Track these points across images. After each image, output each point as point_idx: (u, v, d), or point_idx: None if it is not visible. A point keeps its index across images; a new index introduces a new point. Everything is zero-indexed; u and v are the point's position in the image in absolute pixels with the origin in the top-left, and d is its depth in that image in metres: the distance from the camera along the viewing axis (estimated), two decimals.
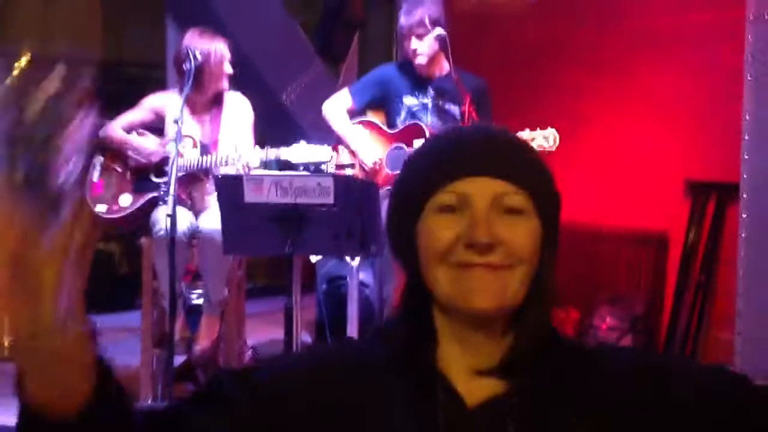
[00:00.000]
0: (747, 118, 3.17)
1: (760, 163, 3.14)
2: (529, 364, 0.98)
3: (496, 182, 0.97)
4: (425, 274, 0.98)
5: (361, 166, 3.72)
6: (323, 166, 3.72)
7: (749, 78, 3.15)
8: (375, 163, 3.68)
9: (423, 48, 3.62)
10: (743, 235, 3.20)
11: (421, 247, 0.99)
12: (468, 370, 0.99)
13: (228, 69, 3.58)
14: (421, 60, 3.65)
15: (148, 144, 3.61)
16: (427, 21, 3.60)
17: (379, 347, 1.03)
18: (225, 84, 3.61)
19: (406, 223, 1.01)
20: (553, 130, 3.37)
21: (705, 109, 4.45)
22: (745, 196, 3.20)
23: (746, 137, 3.18)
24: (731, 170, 4.19)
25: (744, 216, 3.20)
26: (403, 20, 3.64)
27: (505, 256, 0.95)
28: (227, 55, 3.56)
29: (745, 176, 3.20)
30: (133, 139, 3.63)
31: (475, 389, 0.98)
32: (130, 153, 3.63)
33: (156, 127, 3.72)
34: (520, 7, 5.43)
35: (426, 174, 1.00)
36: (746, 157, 3.19)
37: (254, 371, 1.04)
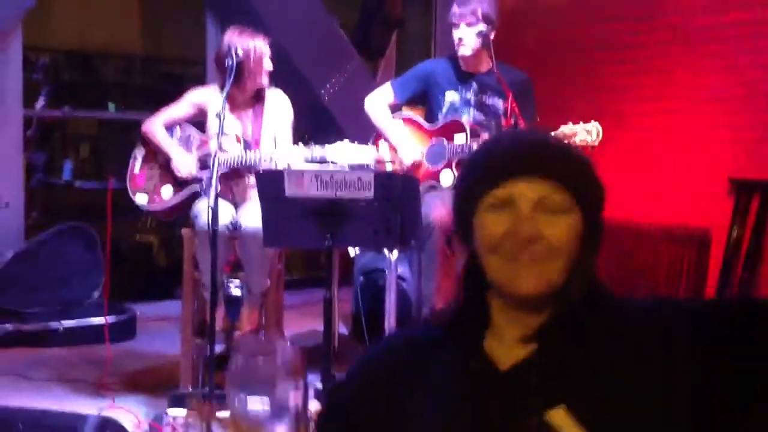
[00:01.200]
0: None
1: None
2: (563, 332, 1.13)
3: (539, 183, 1.13)
4: (481, 260, 1.17)
5: (399, 162, 3.75)
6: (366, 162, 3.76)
7: None
8: (414, 162, 3.70)
9: (469, 38, 3.62)
10: None
11: (476, 238, 1.17)
12: (513, 339, 1.16)
13: (268, 66, 3.62)
14: (465, 51, 3.66)
15: (183, 163, 3.61)
16: (479, 13, 3.62)
17: (431, 328, 1.24)
18: (265, 81, 3.65)
19: (465, 217, 1.19)
20: (596, 123, 3.34)
21: (748, 107, 4.42)
22: None
23: None
24: None
25: None
26: (456, 8, 3.65)
27: (545, 250, 1.11)
28: (267, 51, 3.60)
29: None
30: (172, 152, 3.63)
31: (509, 357, 1.14)
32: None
33: (198, 121, 3.76)
34: (559, 4, 5.42)
35: (477, 178, 1.18)
36: None
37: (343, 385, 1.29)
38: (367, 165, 3.42)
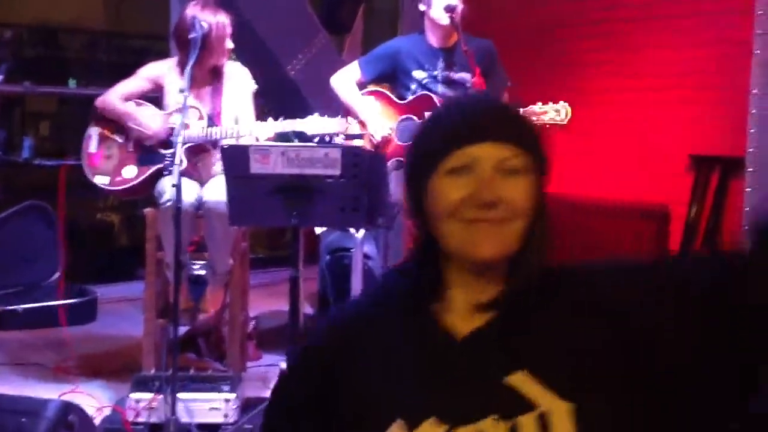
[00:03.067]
0: (754, 92, 3.15)
1: (765, 136, 3.13)
2: (520, 300, 1.13)
3: (498, 146, 1.12)
4: (436, 229, 1.14)
5: (369, 138, 3.70)
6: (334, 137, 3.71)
7: (757, 52, 3.13)
8: (383, 137, 3.66)
9: (453, 6, 3.57)
10: (748, 208, 3.19)
11: (432, 205, 1.14)
12: (468, 309, 1.15)
13: (229, 45, 3.55)
14: (448, 20, 3.56)
15: (153, 121, 3.53)
16: None
17: (382, 297, 1.22)
18: (224, 59, 3.58)
19: (418, 184, 1.16)
20: (565, 104, 3.34)
21: (708, 84, 4.43)
22: (750, 169, 3.19)
23: (753, 111, 3.16)
24: (734, 144, 4.18)
25: (748, 189, 3.19)
26: None
27: (506, 212, 1.11)
28: (229, 29, 3.52)
29: (750, 150, 3.18)
30: (137, 113, 3.55)
31: (465, 326, 1.14)
32: (132, 126, 3.58)
33: (152, 97, 3.67)
34: None
35: (436, 141, 1.15)
36: (752, 130, 3.18)
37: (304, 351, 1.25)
38: (338, 134, 3.37)
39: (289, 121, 3.33)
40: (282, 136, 3.44)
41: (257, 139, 3.33)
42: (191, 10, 3.45)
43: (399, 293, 1.19)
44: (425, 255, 1.17)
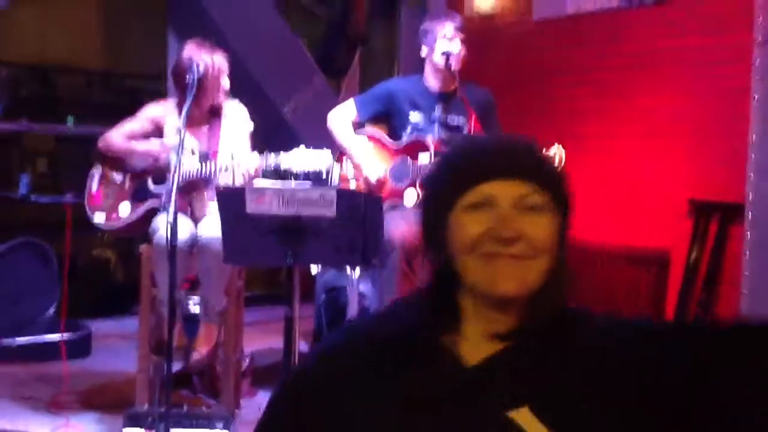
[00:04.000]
0: (753, 138, 3.18)
1: (765, 182, 3.15)
2: (536, 334, 1.13)
3: (519, 184, 1.13)
4: (455, 263, 1.14)
5: (364, 180, 3.73)
6: (326, 176, 3.73)
7: (756, 98, 3.17)
8: (378, 180, 3.68)
9: (462, 52, 3.63)
10: (747, 254, 3.21)
11: (451, 240, 1.14)
12: (480, 339, 1.14)
13: (226, 84, 3.58)
14: (457, 64, 3.64)
15: (153, 147, 3.59)
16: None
17: (389, 325, 1.20)
18: (222, 98, 3.61)
19: (437, 219, 1.16)
20: (560, 147, 3.36)
21: (707, 131, 4.48)
22: (750, 215, 3.21)
23: (752, 157, 3.19)
24: (734, 191, 4.22)
25: (749, 236, 3.20)
26: (449, 21, 3.65)
27: (527, 248, 1.11)
28: (225, 68, 3.56)
29: (750, 196, 3.20)
30: (138, 145, 3.61)
31: (475, 355, 1.14)
32: (135, 160, 3.61)
33: (154, 137, 3.71)
34: (521, 28, 5.47)
35: (457, 176, 1.16)
36: (752, 176, 3.20)
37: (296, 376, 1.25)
38: (325, 171, 3.38)
39: (273, 155, 3.35)
40: (278, 174, 3.45)
41: (248, 173, 3.35)
42: (187, 51, 3.49)
43: (408, 321, 1.18)
44: (441, 288, 1.17)
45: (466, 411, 1.10)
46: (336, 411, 1.14)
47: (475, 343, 1.15)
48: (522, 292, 1.12)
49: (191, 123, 3.56)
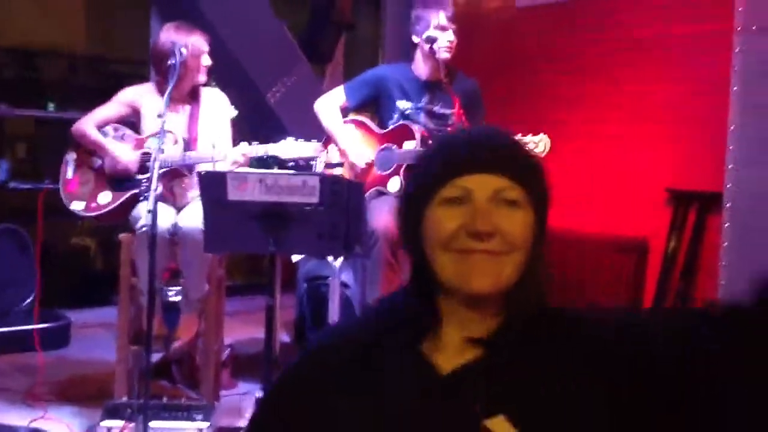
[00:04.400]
0: (732, 128, 3.19)
1: (744, 172, 3.16)
2: (511, 339, 1.11)
3: (495, 178, 1.10)
4: (430, 260, 1.12)
5: (350, 166, 3.70)
6: (312, 163, 3.71)
7: (735, 89, 3.17)
8: (366, 164, 3.66)
9: (453, 42, 3.59)
10: (725, 243, 3.22)
11: (427, 235, 1.12)
12: (458, 344, 1.12)
13: (206, 62, 3.55)
14: (447, 54, 3.61)
15: (124, 154, 3.51)
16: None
17: (370, 326, 1.18)
18: (203, 78, 3.57)
19: (414, 214, 1.14)
20: (544, 135, 3.35)
21: (687, 119, 4.48)
22: (728, 205, 3.22)
23: (731, 147, 3.20)
24: (712, 180, 4.22)
25: (726, 225, 3.21)
26: (442, 11, 3.62)
27: (502, 244, 1.09)
28: (205, 48, 3.53)
29: (729, 185, 3.21)
30: (110, 146, 3.53)
31: (450, 362, 1.11)
32: (105, 158, 3.55)
33: (129, 120, 3.66)
34: (505, 14, 5.45)
35: (433, 170, 1.13)
36: (731, 166, 3.21)
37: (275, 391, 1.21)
38: (314, 161, 3.36)
39: (263, 146, 3.32)
40: (261, 162, 3.43)
41: (236, 163, 3.32)
42: (167, 35, 3.46)
43: (388, 325, 1.15)
44: (419, 286, 1.15)
45: (440, 420, 1.08)
46: (320, 415, 1.12)
47: (452, 349, 1.12)
48: (496, 288, 1.09)
49: (171, 108, 3.51)
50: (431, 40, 3.59)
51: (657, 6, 4.64)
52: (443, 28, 3.61)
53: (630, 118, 4.74)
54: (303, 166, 3.40)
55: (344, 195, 2.69)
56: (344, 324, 1.28)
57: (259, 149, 3.33)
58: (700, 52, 4.41)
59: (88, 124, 3.56)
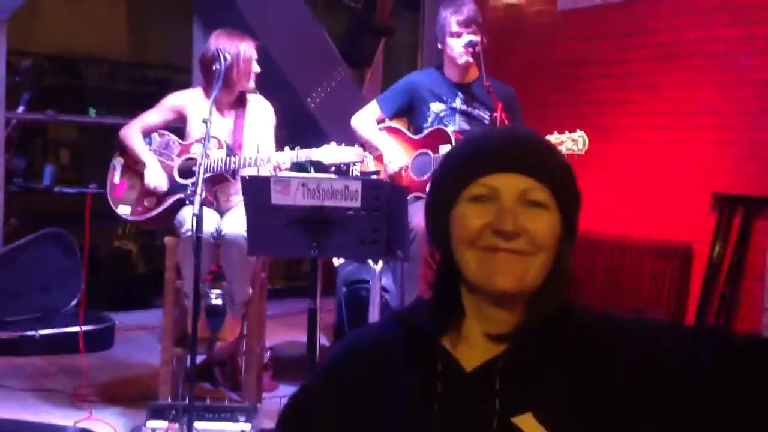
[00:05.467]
0: None
1: None
2: (537, 335, 1.11)
3: (522, 178, 1.11)
4: (456, 256, 1.13)
5: (388, 174, 3.70)
6: (353, 168, 3.73)
7: None
8: (401, 169, 3.67)
9: (471, 43, 3.59)
10: None
11: (453, 232, 1.13)
12: (481, 341, 1.13)
13: (256, 68, 3.60)
14: (465, 60, 3.61)
15: (155, 173, 3.54)
16: (479, 21, 3.61)
17: (395, 328, 1.18)
18: (252, 84, 3.61)
19: (441, 211, 1.15)
20: (582, 132, 3.32)
21: (733, 123, 4.43)
22: None
23: None
24: (759, 184, 4.17)
25: None
26: (453, 16, 3.61)
27: (528, 244, 1.09)
28: (254, 54, 3.57)
29: None
30: (148, 160, 3.56)
31: (475, 357, 1.12)
32: (141, 168, 3.59)
33: (176, 126, 3.70)
34: (545, 19, 5.43)
35: (461, 168, 1.14)
36: None
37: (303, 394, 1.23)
38: (353, 164, 3.37)
39: (305, 151, 3.35)
40: (299, 167, 3.45)
41: (279, 168, 3.34)
42: (216, 40, 3.51)
43: (411, 325, 1.16)
44: (445, 285, 1.16)
45: (467, 417, 1.08)
46: (340, 423, 1.14)
47: (476, 345, 1.13)
48: (520, 288, 1.09)
49: (219, 110, 3.57)
50: (472, 44, 3.59)
51: (699, 11, 4.60)
52: (457, 35, 3.62)
53: (674, 122, 4.70)
54: (344, 171, 3.41)
55: (386, 199, 2.70)
56: (361, 331, 1.28)
57: (301, 154, 3.35)
58: (742, 56, 4.36)
59: (133, 130, 3.61)
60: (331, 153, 3.29)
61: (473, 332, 1.13)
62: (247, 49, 3.52)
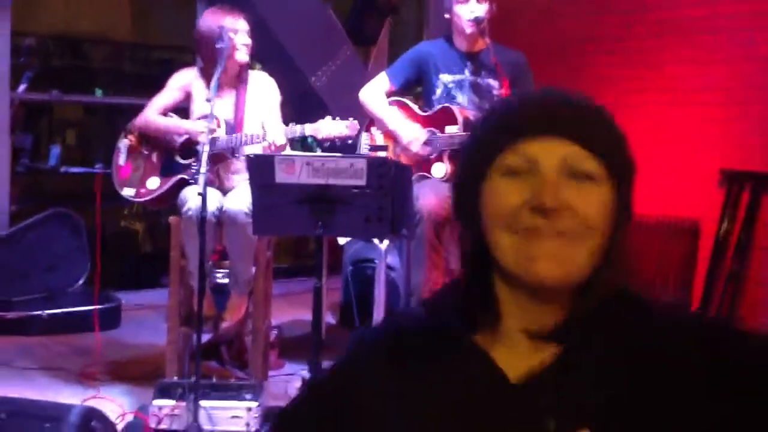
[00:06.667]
0: None
1: None
2: (590, 336, 0.94)
3: (565, 144, 0.92)
4: (489, 240, 0.94)
5: (399, 150, 3.66)
6: (359, 144, 3.70)
7: None
8: (416, 139, 3.62)
9: (481, 12, 3.57)
10: None
11: (485, 211, 0.95)
12: (523, 340, 0.96)
13: (245, 40, 3.50)
14: (472, 28, 3.57)
15: (196, 126, 3.50)
16: None
17: (425, 320, 1.02)
18: (244, 56, 3.51)
19: (471, 185, 0.96)
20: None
21: (739, 99, 4.40)
22: None
23: None
24: (767, 159, 4.15)
25: None
26: None
27: (574, 224, 0.91)
28: (243, 26, 3.49)
29: None
30: (180, 123, 3.56)
31: (520, 363, 0.94)
32: (173, 137, 3.57)
33: (181, 107, 3.69)
34: None
35: (492, 134, 0.96)
36: None
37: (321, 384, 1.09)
38: (349, 138, 3.34)
39: (298, 126, 3.32)
40: (304, 145, 3.43)
41: (274, 144, 3.32)
42: (211, 19, 3.47)
43: (443, 317, 0.99)
44: (475, 272, 0.98)
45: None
46: (366, 414, 0.99)
47: (516, 345, 0.96)
48: (566, 278, 0.91)
49: (218, 92, 3.53)
50: (478, 21, 3.57)
51: None
52: (464, 1, 3.59)
53: (680, 99, 4.67)
54: (342, 147, 3.38)
55: (391, 177, 2.69)
56: (396, 316, 1.15)
57: (295, 129, 3.33)
58: (751, 30, 4.33)
59: (151, 115, 3.59)
60: (324, 127, 3.27)
61: (512, 330, 0.96)
62: (232, 22, 3.45)
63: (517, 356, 0.95)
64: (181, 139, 3.57)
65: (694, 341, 0.94)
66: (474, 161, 0.97)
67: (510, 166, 0.93)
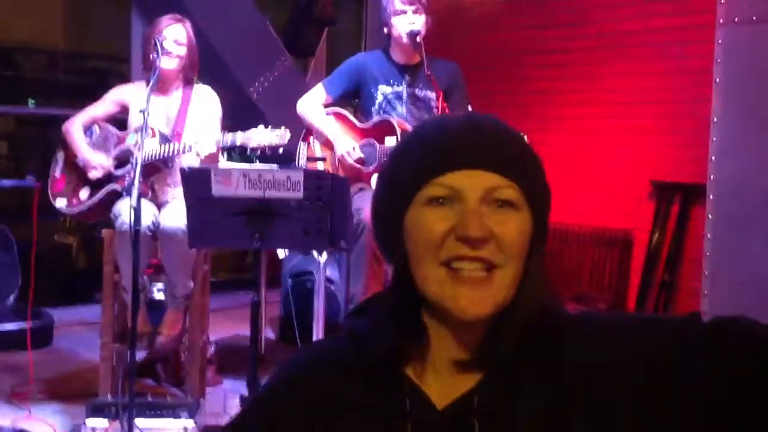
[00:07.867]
0: (715, 120, 3.20)
1: (727, 164, 3.17)
2: (510, 360, 0.96)
3: (487, 175, 0.94)
4: (413, 270, 0.96)
5: (337, 161, 3.66)
6: (298, 158, 3.68)
7: (717, 81, 3.18)
8: (348, 152, 3.61)
9: (419, 24, 3.58)
10: (709, 235, 3.23)
11: (410, 241, 0.96)
12: (444, 366, 0.98)
13: (172, 48, 3.45)
14: (410, 40, 3.58)
15: (95, 159, 3.51)
16: (424, 1, 3.60)
17: (348, 350, 1.02)
18: (169, 63, 3.44)
19: (393, 215, 0.97)
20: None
21: (670, 112, 4.51)
22: (711, 197, 3.23)
23: (714, 139, 3.21)
24: (696, 172, 4.24)
25: (710, 217, 3.22)
26: None
27: (496, 252, 0.93)
28: (173, 35, 3.45)
29: (712, 177, 3.23)
30: (84, 150, 3.53)
31: (446, 390, 0.97)
32: (78, 160, 3.56)
33: (122, 118, 3.64)
34: (487, 8, 5.45)
35: (415, 165, 0.97)
36: (713, 158, 3.22)
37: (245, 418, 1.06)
38: (280, 147, 3.29)
39: (230, 134, 3.27)
40: (244, 157, 3.38)
41: (199, 154, 3.28)
42: (151, 28, 3.48)
43: (369, 344, 0.99)
44: (404, 303, 0.97)
45: None
46: None
47: (444, 375, 0.97)
48: (489, 313, 0.93)
49: (161, 102, 3.47)
50: (413, 34, 3.58)
51: (639, 1, 4.66)
52: (402, 12, 3.60)
53: (614, 111, 4.76)
54: (280, 157, 3.33)
55: (328, 190, 2.68)
56: (322, 344, 1.13)
57: (227, 138, 3.27)
58: (683, 45, 4.44)
59: (75, 125, 3.57)
60: (256, 136, 3.23)
61: (440, 359, 0.98)
62: (162, 30, 3.42)
63: (445, 385, 0.97)
64: (81, 164, 3.52)
65: (611, 350, 0.95)
66: (395, 192, 0.98)
67: (433, 196, 0.95)
